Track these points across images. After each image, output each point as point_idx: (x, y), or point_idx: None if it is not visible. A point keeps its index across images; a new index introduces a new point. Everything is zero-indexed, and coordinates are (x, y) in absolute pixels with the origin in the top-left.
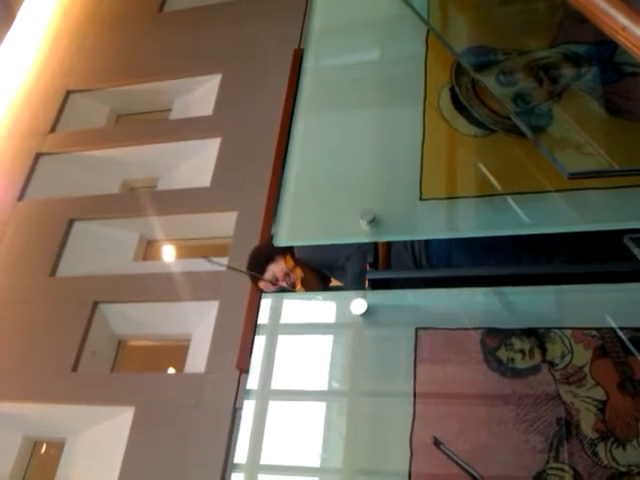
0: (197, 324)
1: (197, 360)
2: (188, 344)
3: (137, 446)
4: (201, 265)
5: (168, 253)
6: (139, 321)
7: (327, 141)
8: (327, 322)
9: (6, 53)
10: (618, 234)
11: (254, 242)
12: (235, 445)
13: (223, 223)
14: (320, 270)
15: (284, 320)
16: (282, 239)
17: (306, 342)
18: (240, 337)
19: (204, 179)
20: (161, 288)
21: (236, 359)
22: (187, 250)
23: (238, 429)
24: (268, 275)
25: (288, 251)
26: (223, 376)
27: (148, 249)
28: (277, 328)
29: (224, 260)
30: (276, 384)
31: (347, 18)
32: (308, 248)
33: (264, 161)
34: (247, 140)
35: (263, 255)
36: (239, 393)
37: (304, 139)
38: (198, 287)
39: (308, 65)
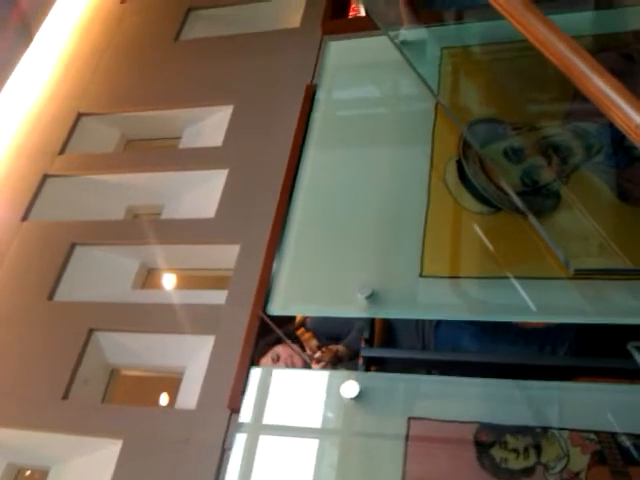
0: (191, 358)
1: (189, 395)
2: (181, 377)
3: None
4: (200, 297)
5: (168, 283)
6: (133, 351)
7: (327, 205)
8: (316, 403)
9: (22, 73)
10: (625, 327)
11: (255, 276)
12: None
13: (225, 255)
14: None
15: (270, 403)
16: (276, 308)
17: (294, 433)
18: (233, 376)
19: (209, 210)
20: (158, 319)
21: (228, 398)
22: (187, 281)
23: (225, 470)
24: (272, 353)
25: (301, 325)
26: (214, 414)
27: (148, 278)
28: (263, 407)
29: (223, 293)
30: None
31: (359, 66)
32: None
33: (270, 196)
34: (254, 174)
35: (273, 337)
36: (228, 433)
37: (304, 204)
38: (195, 320)
39: (314, 137)
